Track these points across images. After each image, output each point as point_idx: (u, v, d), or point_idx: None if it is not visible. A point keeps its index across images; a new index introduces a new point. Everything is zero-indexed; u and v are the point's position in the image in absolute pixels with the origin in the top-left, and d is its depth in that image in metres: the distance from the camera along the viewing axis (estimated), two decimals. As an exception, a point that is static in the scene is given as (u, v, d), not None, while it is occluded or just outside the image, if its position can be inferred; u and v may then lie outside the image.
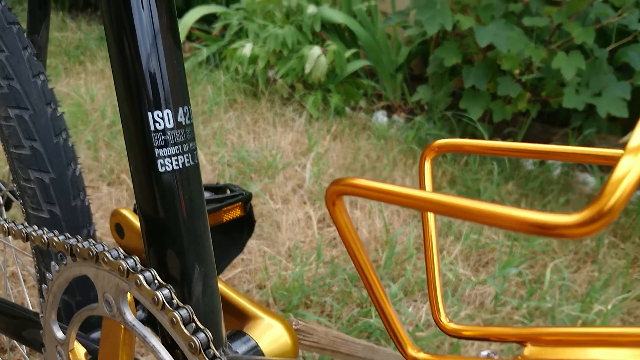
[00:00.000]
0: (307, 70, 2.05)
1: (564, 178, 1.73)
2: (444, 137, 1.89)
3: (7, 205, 0.86)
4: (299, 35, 2.15)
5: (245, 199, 0.77)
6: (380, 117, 2.16)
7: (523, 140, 1.91)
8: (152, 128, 0.40)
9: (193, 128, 0.44)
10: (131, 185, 1.56)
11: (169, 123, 0.41)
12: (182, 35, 2.49)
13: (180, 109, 0.41)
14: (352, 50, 2.21)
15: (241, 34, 2.39)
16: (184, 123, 0.41)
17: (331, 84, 2.14)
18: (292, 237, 1.41)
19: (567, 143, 1.89)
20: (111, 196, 1.51)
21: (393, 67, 2.31)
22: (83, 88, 2.18)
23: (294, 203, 1.56)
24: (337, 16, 2.24)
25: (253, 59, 2.16)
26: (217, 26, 2.50)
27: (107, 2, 0.38)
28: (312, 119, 2.07)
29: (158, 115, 0.40)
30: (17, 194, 0.59)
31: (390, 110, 2.29)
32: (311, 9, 2.20)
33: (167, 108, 0.40)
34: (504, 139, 1.87)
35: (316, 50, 2.06)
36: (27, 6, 0.67)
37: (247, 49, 2.17)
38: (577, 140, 1.81)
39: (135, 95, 0.40)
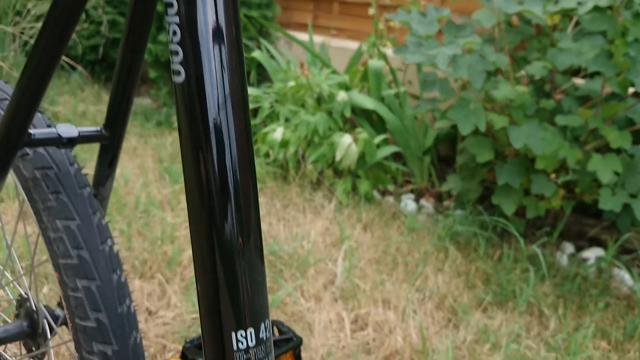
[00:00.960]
0: (337, 158, 2.07)
1: (602, 280, 1.69)
2: (474, 232, 1.86)
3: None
4: (330, 121, 2.18)
5: (296, 346, 0.76)
6: (410, 203, 2.15)
7: (559, 236, 1.88)
8: (235, 348, 0.40)
9: (272, 340, 0.44)
10: (163, 280, 1.56)
11: (251, 341, 0.41)
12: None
13: (262, 325, 0.41)
14: (382, 137, 2.23)
15: (272, 115, 2.44)
16: (264, 339, 0.42)
17: (360, 169, 2.15)
18: (325, 342, 1.38)
19: (603, 240, 1.86)
20: (143, 291, 1.50)
21: (420, 150, 2.33)
22: (117, 169, 2.21)
23: (326, 301, 1.54)
24: (367, 102, 2.28)
25: (284, 143, 2.20)
26: (248, 106, 2.56)
27: (194, 213, 0.39)
28: (342, 206, 2.08)
29: (241, 335, 0.40)
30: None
31: (418, 193, 2.29)
32: (342, 95, 2.25)
33: (250, 327, 0.41)
34: (537, 239, 1.85)
35: (347, 138, 2.09)
36: (97, 161, 0.69)
37: (278, 133, 2.21)
38: (614, 239, 1.78)
39: (219, 315, 0.40)
